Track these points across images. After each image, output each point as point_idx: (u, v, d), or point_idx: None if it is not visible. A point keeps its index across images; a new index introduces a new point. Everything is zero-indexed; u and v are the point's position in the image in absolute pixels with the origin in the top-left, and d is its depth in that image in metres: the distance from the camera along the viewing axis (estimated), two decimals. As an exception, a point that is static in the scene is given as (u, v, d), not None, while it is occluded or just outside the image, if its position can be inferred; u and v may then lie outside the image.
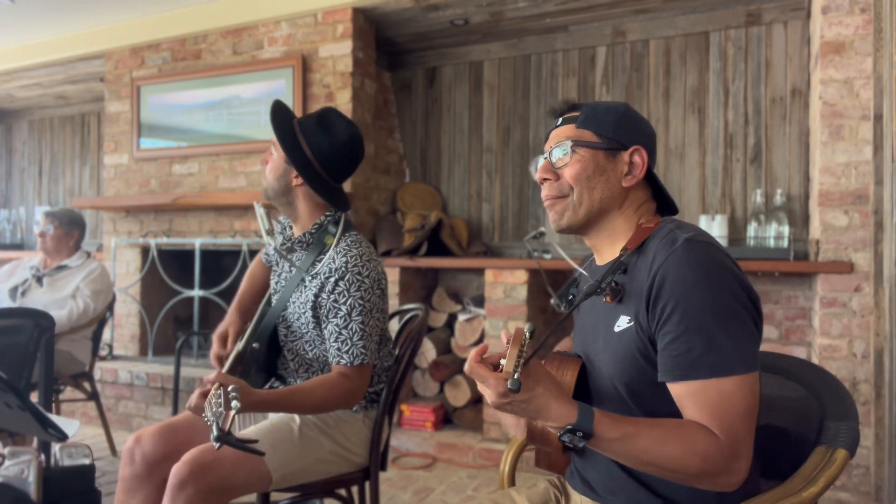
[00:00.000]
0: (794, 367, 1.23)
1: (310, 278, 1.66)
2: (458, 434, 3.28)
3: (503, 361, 0.89)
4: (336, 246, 1.65)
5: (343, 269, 1.60)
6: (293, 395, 1.53)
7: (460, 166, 3.99)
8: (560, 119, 1.15)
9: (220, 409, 1.29)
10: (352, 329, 1.59)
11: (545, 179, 1.13)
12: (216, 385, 1.37)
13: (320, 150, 1.64)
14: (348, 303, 1.59)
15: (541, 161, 1.15)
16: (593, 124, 1.11)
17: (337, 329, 1.60)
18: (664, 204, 1.17)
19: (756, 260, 2.80)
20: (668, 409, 0.98)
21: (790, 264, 2.70)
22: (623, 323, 1.04)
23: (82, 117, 5.38)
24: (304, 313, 1.66)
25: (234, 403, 1.26)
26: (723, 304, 0.95)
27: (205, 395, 1.41)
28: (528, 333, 0.88)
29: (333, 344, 1.61)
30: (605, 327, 1.08)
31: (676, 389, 0.97)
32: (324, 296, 1.62)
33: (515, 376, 0.85)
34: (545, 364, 1.11)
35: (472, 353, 0.94)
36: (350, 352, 1.59)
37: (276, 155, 1.67)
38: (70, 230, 3.15)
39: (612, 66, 3.61)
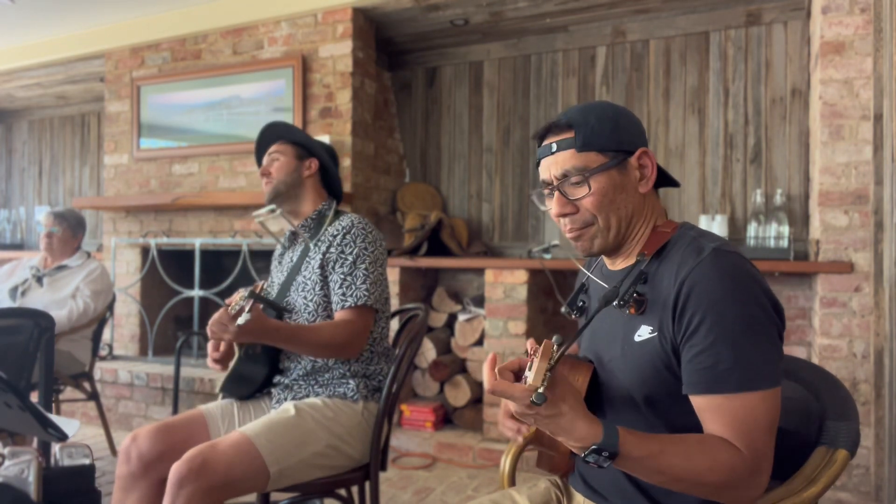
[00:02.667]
0: (794, 367, 1.23)
1: (314, 245, 1.82)
2: (458, 434, 3.28)
3: (528, 374, 0.86)
4: (337, 218, 1.86)
5: (350, 225, 1.79)
6: (302, 329, 1.67)
7: (460, 166, 3.99)
8: (554, 146, 1.06)
9: (244, 294, 1.54)
10: (356, 275, 1.73)
11: (565, 215, 1.07)
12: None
13: (319, 146, 1.93)
14: (354, 252, 1.75)
15: (542, 195, 1.10)
16: (594, 142, 1.04)
17: (342, 276, 1.73)
18: (665, 183, 1.14)
19: (756, 260, 2.79)
20: (686, 421, 0.97)
21: (790, 264, 2.70)
22: (645, 333, 1.01)
23: (82, 117, 5.38)
24: (311, 278, 1.78)
25: (260, 283, 1.54)
26: (751, 317, 0.93)
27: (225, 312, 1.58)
28: (556, 346, 0.85)
29: (338, 291, 1.73)
30: (623, 335, 1.05)
31: (700, 402, 0.95)
32: (332, 250, 1.77)
33: (541, 390, 0.83)
34: None
35: (486, 370, 0.91)
36: (354, 294, 1.72)
37: (284, 158, 1.88)
38: (76, 232, 3.17)
39: (612, 66, 3.61)
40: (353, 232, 1.77)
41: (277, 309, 1.80)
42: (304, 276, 1.80)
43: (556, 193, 1.07)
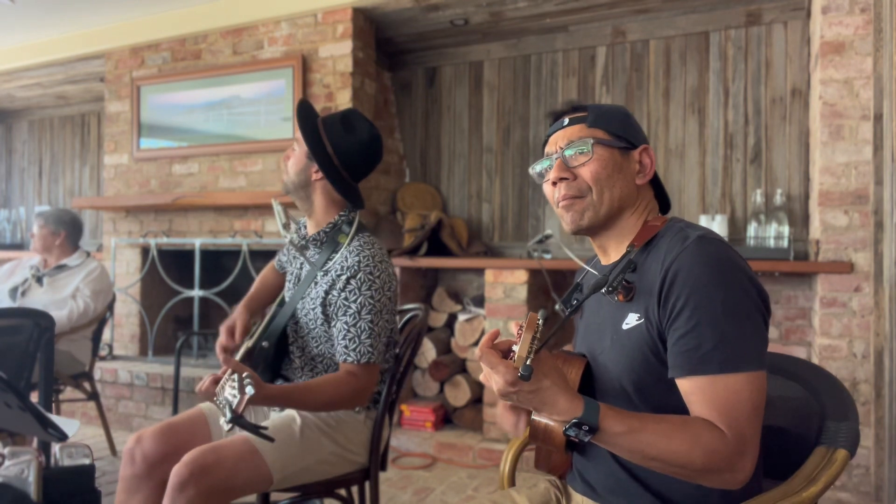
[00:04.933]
0: (794, 367, 1.23)
1: (321, 274, 1.69)
2: (458, 434, 3.28)
3: (515, 348, 0.88)
4: (349, 245, 1.69)
5: (355, 267, 1.63)
6: (302, 391, 1.55)
7: (460, 166, 3.99)
8: (567, 120, 1.14)
9: (234, 393, 1.32)
10: (360, 327, 1.61)
11: (562, 179, 1.10)
12: (229, 371, 1.40)
13: (341, 148, 1.70)
14: (358, 301, 1.62)
15: (545, 163, 1.14)
16: (604, 123, 1.11)
17: (346, 327, 1.62)
18: (662, 203, 1.19)
19: (756, 260, 2.80)
20: (676, 407, 0.98)
21: (790, 264, 2.70)
22: (632, 320, 1.03)
23: (82, 117, 5.38)
24: (314, 309, 1.69)
25: (249, 389, 1.29)
26: (735, 301, 0.95)
27: (216, 381, 1.44)
28: (541, 320, 0.87)
29: (341, 342, 1.62)
30: (612, 325, 1.08)
31: (685, 385, 0.96)
32: (334, 293, 1.64)
33: (528, 362, 0.84)
34: None
35: (484, 338, 0.93)
36: (358, 350, 1.61)
37: (299, 150, 1.73)
38: (57, 229, 3.11)
39: (612, 66, 3.61)
40: (358, 277, 1.62)
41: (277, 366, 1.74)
42: (307, 304, 1.71)
43: (559, 160, 1.11)
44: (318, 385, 1.57)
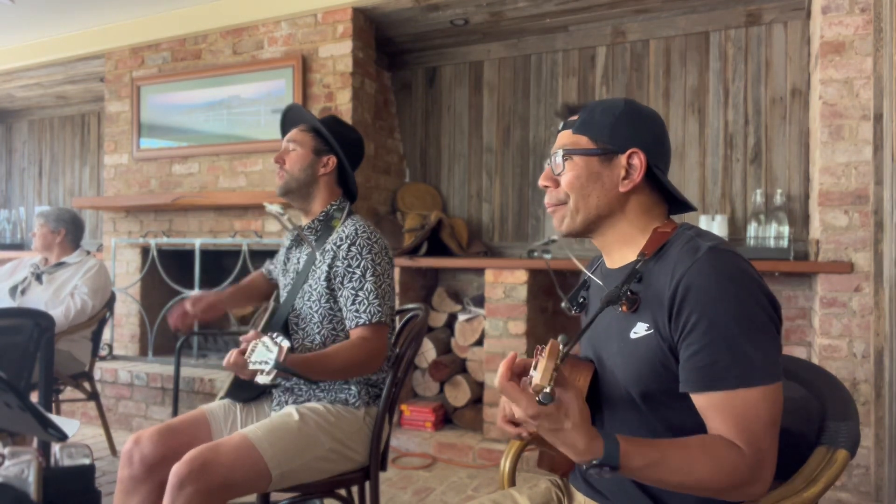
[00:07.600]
0: (794, 367, 1.23)
1: (320, 254, 1.77)
2: (458, 434, 3.28)
3: (533, 373, 0.86)
4: (343, 223, 1.79)
5: (353, 234, 1.73)
6: (319, 357, 1.58)
7: (460, 166, 3.99)
8: (562, 123, 1.15)
9: (266, 351, 1.42)
10: (367, 289, 1.68)
11: (546, 186, 1.13)
12: (252, 341, 1.47)
13: (343, 141, 1.84)
14: (361, 265, 1.69)
15: (545, 167, 1.16)
16: (589, 129, 1.09)
17: (353, 292, 1.68)
18: (676, 203, 1.13)
19: (756, 260, 2.80)
20: (683, 418, 0.98)
21: (790, 264, 2.70)
22: (641, 330, 1.02)
23: (82, 117, 5.38)
24: (317, 289, 1.74)
25: (284, 342, 1.39)
26: (748, 315, 0.94)
27: (242, 353, 1.48)
28: (562, 347, 0.85)
29: (350, 307, 1.68)
30: (619, 332, 1.06)
31: (700, 400, 0.95)
32: (338, 263, 1.71)
33: (547, 389, 0.82)
34: None
35: (502, 369, 0.90)
36: (368, 311, 1.66)
37: (302, 149, 1.81)
38: (57, 227, 3.11)
39: (612, 66, 3.61)
40: (357, 243, 1.70)
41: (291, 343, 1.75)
42: (311, 286, 1.76)
43: (548, 167, 1.14)
44: (335, 350, 1.62)
